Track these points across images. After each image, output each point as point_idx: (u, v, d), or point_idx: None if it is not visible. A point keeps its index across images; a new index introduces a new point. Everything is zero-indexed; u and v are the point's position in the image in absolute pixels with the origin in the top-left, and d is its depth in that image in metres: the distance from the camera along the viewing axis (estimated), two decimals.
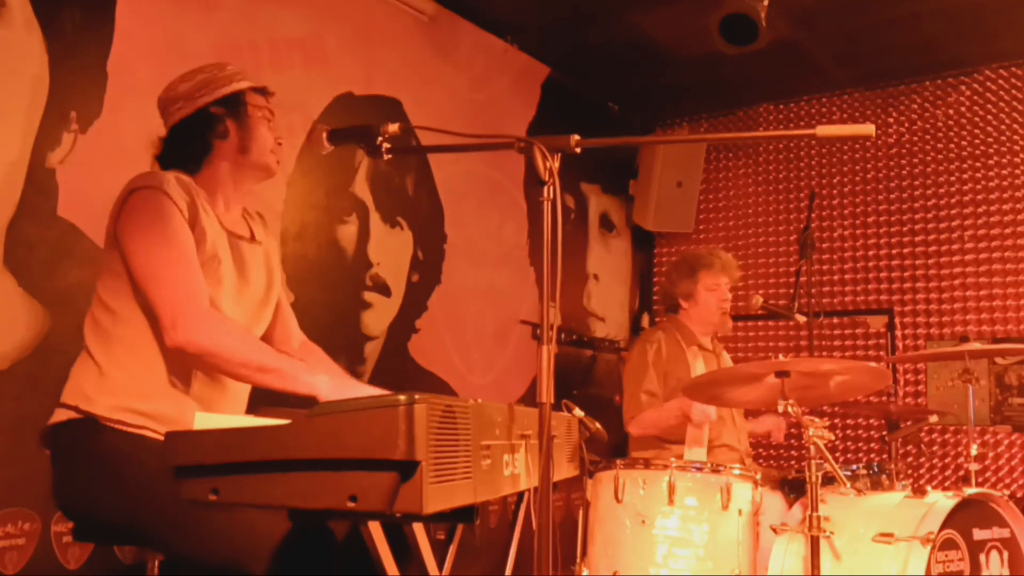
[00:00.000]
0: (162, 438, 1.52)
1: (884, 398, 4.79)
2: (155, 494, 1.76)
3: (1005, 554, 2.94)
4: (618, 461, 3.05)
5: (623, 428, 3.74)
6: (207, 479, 1.46)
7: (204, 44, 3.36)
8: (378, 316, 4.08)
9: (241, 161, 2.16)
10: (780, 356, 2.86)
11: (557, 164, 1.72)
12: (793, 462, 5.17)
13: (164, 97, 2.20)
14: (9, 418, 2.71)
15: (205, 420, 1.50)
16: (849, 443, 5.15)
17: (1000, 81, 4.94)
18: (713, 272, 3.86)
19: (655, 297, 5.96)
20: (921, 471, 4.84)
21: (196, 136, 2.15)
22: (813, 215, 4.66)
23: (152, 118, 3.11)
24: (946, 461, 4.84)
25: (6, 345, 2.75)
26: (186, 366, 2.01)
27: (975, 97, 5.00)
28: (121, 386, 1.97)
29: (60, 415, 1.99)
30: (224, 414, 1.62)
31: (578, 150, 1.76)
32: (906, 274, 5.08)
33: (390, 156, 1.91)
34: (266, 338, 2.27)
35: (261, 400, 2.19)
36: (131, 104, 3.10)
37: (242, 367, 1.88)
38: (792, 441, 4.92)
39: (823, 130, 1.75)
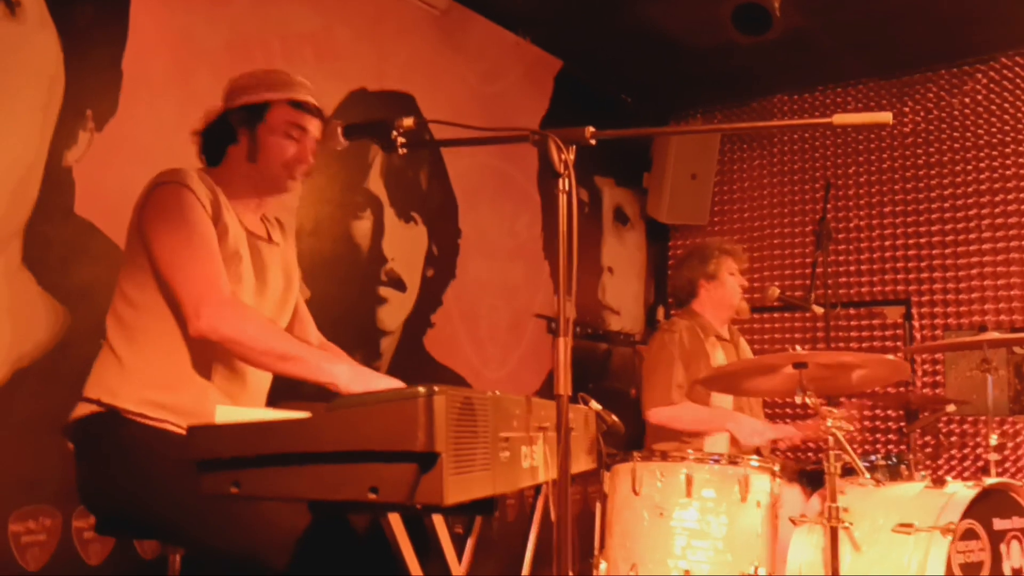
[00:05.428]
0: (183, 431, 1.53)
1: (902, 388, 4.77)
2: (176, 488, 1.78)
3: None
4: (635, 453, 3.05)
5: (639, 419, 3.73)
6: (229, 472, 1.47)
7: (217, 40, 3.37)
8: (393, 311, 4.09)
9: (251, 171, 2.18)
10: (797, 347, 2.84)
11: (572, 156, 1.72)
12: (811, 454, 5.15)
13: (223, 94, 2.24)
14: (29, 415, 2.73)
15: (226, 414, 1.51)
16: (867, 434, 5.13)
17: (1017, 68, 4.89)
18: (735, 257, 3.90)
19: (670, 290, 5.94)
20: (940, 461, 4.81)
21: (214, 140, 2.21)
22: (829, 205, 4.64)
23: (167, 115, 3.15)
24: (965, 451, 4.81)
25: (27, 344, 2.77)
26: (207, 359, 2.03)
27: (992, 85, 4.95)
28: (143, 378, 1.98)
29: (83, 409, 2.01)
30: (245, 407, 1.63)
31: (593, 142, 1.76)
32: (923, 264, 5.05)
33: (405, 151, 1.91)
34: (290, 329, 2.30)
35: (282, 394, 2.20)
36: (146, 101, 3.12)
37: (264, 355, 1.90)
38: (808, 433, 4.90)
39: (840, 119, 1.74)
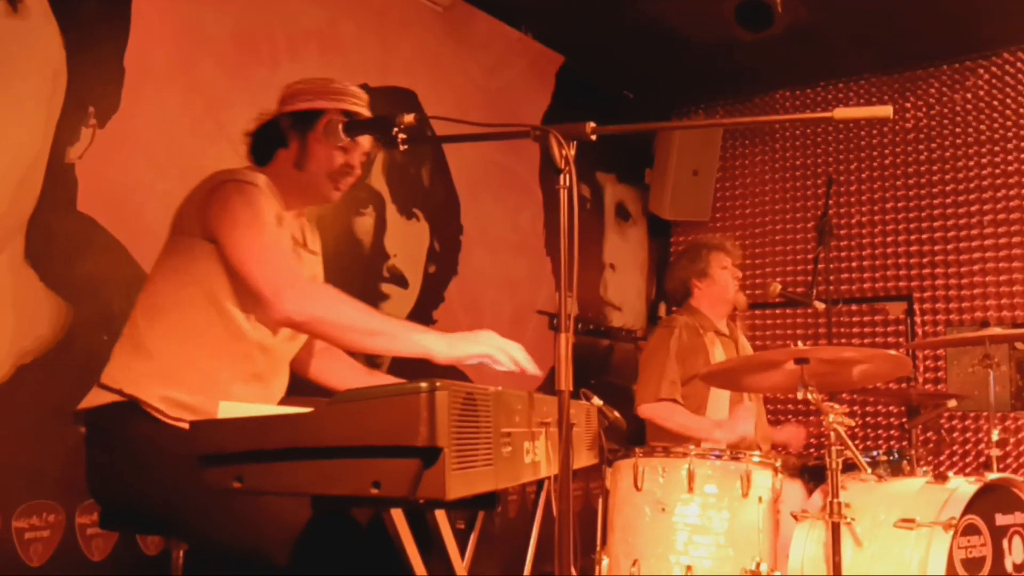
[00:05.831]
0: None
1: (904, 384, 4.77)
2: (182, 483, 1.77)
3: None
4: (637, 449, 3.05)
5: (636, 413, 3.75)
6: (232, 467, 1.47)
7: (221, 34, 3.37)
8: (396, 307, 4.09)
9: (296, 176, 2.18)
10: (799, 343, 2.84)
11: (573, 152, 1.72)
12: (812, 450, 5.16)
13: (278, 97, 2.25)
14: (32, 412, 2.73)
15: (229, 409, 1.51)
16: (869, 430, 5.13)
17: (1019, 64, 4.88)
18: (726, 251, 3.93)
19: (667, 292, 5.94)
20: (942, 457, 4.81)
21: (265, 141, 2.21)
22: (831, 201, 4.64)
23: (170, 109, 3.16)
24: (967, 447, 4.81)
25: (29, 340, 2.77)
26: (232, 362, 2.04)
27: (993, 81, 4.95)
28: (163, 373, 1.98)
29: (101, 397, 1.99)
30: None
31: (594, 137, 1.75)
32: (925, 260, 5.05)
33: (406, 147, 1.91)
34: (305, 344, 2.30)
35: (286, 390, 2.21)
36: (149, 97, 3.12)
37: (351, 331, 1.90)
38: (811, 429, 4.90)
39: (841, 113, 1.74)
